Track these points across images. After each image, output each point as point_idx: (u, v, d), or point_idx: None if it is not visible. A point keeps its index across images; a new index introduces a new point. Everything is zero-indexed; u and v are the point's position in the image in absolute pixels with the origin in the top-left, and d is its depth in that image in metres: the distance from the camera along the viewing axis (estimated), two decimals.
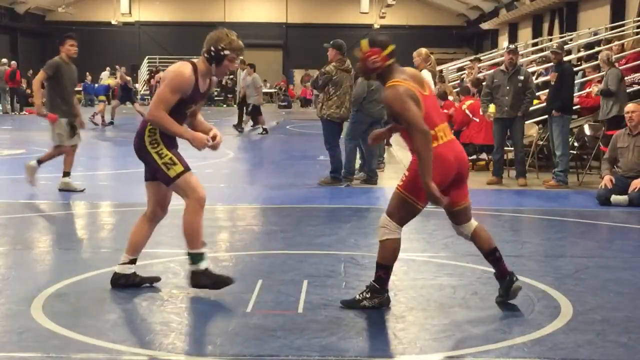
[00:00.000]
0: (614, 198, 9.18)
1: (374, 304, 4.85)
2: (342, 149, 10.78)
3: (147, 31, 42.41)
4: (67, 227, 7.85)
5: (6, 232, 7.46)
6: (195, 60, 5.21)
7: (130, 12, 37.12)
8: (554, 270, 6.02)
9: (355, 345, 4.26)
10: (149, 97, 36.51)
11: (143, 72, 39.45)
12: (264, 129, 19.96)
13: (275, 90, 39.68)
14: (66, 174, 9.81)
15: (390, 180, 11.55)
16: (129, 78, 23.02)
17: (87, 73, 35.72)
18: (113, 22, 39.33)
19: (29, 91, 32.63)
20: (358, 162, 11.48)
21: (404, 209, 4.79)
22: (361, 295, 4.90)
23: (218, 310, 4.91)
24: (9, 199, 9.42)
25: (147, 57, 40.34)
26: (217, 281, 5.21)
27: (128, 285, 5.29)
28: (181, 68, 5.12)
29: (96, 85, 25.75)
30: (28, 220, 8.15)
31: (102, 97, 23.32)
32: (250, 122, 20.91)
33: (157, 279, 5.49)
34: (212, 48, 5.08)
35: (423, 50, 11.96)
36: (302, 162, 13.25)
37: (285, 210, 8.81)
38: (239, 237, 7.39)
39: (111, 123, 22.30)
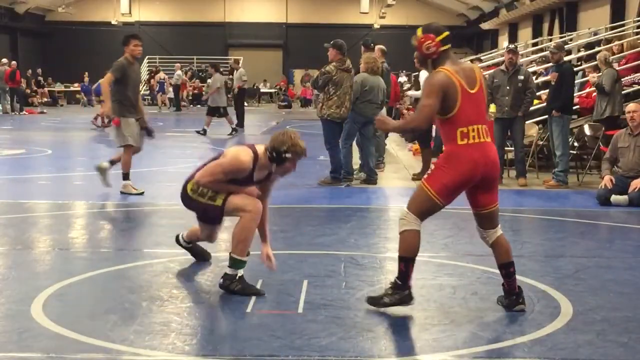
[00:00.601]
0: (614, 198, 9.18)
1: (394, 301, 4.78)
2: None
3: (147, 31, 42.31)
4: (67, 227, 7.85)
5: (6, 232, 7.46)
6: (259, 150, 5.32)
7: (130, 12, 37.10)
8: (554, 270, 6.02)
9: (355, 345, 4.26)
10: (148, 97, 36.56)
11: (143, 72, 39.44)
12: (234, 129, 19.35)
13: (276, 90, 39.67)
14: (126, 176, 9.62)
15: (390, 180, 11.56)
16: None
17: (86, 73, 35.80)
18: (113, 22, 39.30)
19: (28, 91, 32.69)
20: (358, 162, 11.48)
21: (424, 201, 4.74)
22: (385, 291, 4.85)
23: (218, 310, 4.91)
24: (9, 199, 9.42)
25: (147, 57, 40.31)
26: (251, 291, 5.21)
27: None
28: (241, 155, 5.28)
29: (93, 86, 25.31)
30: (28, 220, 8.15)
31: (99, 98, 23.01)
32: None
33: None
34: (275, 150, 5.23)
35: None
36: (302, 162, 13.18)
37: (285, 210, 8.81)
38: None
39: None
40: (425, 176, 4.84)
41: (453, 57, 4.83)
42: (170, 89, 33.44)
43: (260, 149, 5.34)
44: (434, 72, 4.70)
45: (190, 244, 6.09)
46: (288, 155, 5.22)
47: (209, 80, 20.47)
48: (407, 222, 4.74)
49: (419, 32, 4.81)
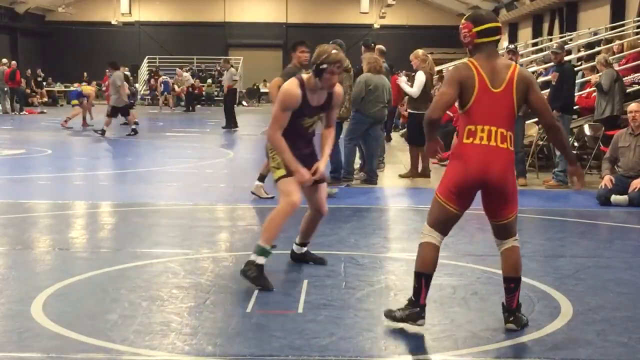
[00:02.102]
0: (614, 198, 9.18)
1: (403, 317, 4.49)
2: (341, 149, 10.77)
3: (147, 31, 42.40)
4: (67, 227, 7.85)
5: (6, 232, 7.46)
6: (304, 75, 5.47)
7: (130, 12, 37.10)
8: (554, 270, 6.03)
9: (355, 345, 4.26)
10: (148, 97, 36.57)
11: (143, 72, 39.45)
12: (133, 130, 18.67)
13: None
14: (262, 177, 9.59)
15: (390, 180, 11.56)
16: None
17: (85, 74, 35.80)
18: (113, 22, 39.32)
19: (28, 91, 32.68)
20: (358, 162, 11.48)
21: (435, 209, 4.49)
22: (403, 306, 4.59)
23: (218, 310, 4.90)
24: (9, 199, 9.41)
25: (147, 57, 40.33)
26: (261, 282, 5.30)
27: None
28: (287, 85, 5.45)
29: (72, 88, 24.52)
30: (28, 220, 8.15)
31: (75, 102, 22.25)
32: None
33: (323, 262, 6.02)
34: (314, 65, 5.32)
35: (420, 51, 11.97)
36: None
37: None
38: (239, 237, 7.39)
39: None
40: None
41: (493, 51, 4.48)
42: (170, 89, 33.43)
43: (306, 75, 5.50)
44: (459, 62, 4.62)
45: (304, 248, 6.08)
46: (323, 66, 5.28)
47: (110, 79, 18.99)
48: (422, 234, 4.53)
49: (463, 19, 4.66)
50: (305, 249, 6.08)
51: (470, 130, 4.40)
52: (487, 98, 4.37)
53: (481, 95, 4.37)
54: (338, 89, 5.57)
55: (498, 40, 4.54)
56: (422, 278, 4.50)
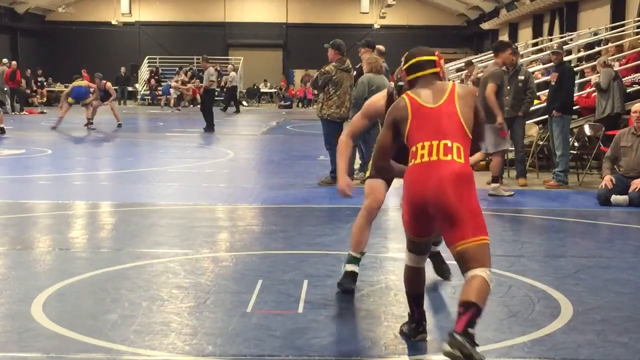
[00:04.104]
0: (614, 198, 9.18)
1: (405, 331, 4.39)
2: None
3: (147, 31, 42.38)
4: (67, 227, 7.85)
5: (6, 232, 7.46)
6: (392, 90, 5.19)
7: (130, 12, 37.06)
8: (554, 270, 6.02)
9: (355, 345, 4.26)
10: (148, 97, 36.57)
11: (143, 72, 39.44)
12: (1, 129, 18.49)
13: (276, 90, 39.68)
14: (495, 179, 9.77)
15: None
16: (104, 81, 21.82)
17: (83, 72, 35.74)
18: (113, 22, 39.30)
19: (28, 91, 32.67)
20: (358, 162, 11.48)
21: (406, 235, 4.21)
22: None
23: (218, 310, 4.90)
24: (9, 199, 9.42)
25: (147, 57, 40.33)
26: (341, 287, 5.31)
27: None
28: (376, 96, 5.37)
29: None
30: (28, 220, 8.15)
31: (87, 101, 21.91)
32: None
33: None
34: (395, 82, 5.16)
35: None
36: (302, 162, 13.22)
37: (285, 210, 8.81)
38: (239, 237, 7.39)
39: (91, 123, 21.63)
40: None
41: (429, 82, 4.16)
42: (172, 90, 33.37)
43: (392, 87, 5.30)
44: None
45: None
46: (401, 83, 4.96)
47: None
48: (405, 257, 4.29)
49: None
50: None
51: (412, 152, 4.02)
52: (424, 115, 4.02)
53: (416, 116, 4.02)
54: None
55: (433, 73, 4.21)
56: (410, 298, 4.32)
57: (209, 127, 19.92)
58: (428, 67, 4.21)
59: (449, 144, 3.95)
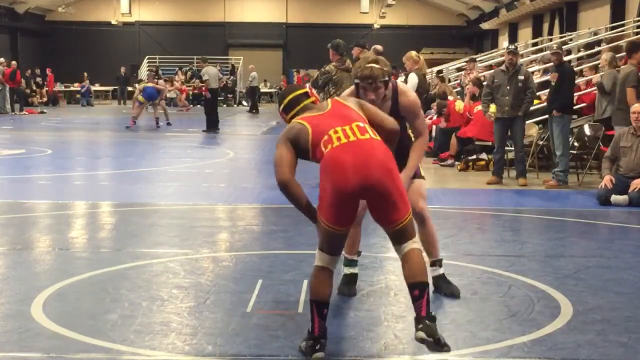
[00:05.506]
0: (614, 198, 9.18)
1: (302, 349, 4.06)
2: None
3: (147, 31, 42.39)
4: (67, 227, 7.85)
5: (6, 232, 7.46)
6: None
7: (130, 12, 37.08)
8: (554, 270, 6.02)
9: (355, 345, 4.26)
10: None
11: (143, 72, 39.44)
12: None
13: (276, 90, 39.69)
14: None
15: None
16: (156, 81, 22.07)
17: (85, 74, 35.79)
18: (113, 22, 39.31)
19: (28, 91, 32.67)
20: None
21: (319, 230, 4.11)
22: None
23: (218, 310, 4.90)
24: (9, 199, 9.42)
25: (147, 57, 40.34)
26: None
27: None
28: (345, 92, 5.11)
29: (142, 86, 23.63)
30: (28, 220, 8.15)
31: (142, 99, 21.84)
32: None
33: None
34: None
35: (412, 53, 11.91)
36: (302, 162, 13.19)
37: (285, 210, 8.80)
38: (239, 237, 7.39)
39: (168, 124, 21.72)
40: None
41: (310, 109, 4.29)
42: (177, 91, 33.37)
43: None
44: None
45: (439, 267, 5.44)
46: (356, 81, 4.88)
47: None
48: (315, 258, 4.16)
49: None
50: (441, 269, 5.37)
51: (325, 140, 4.01)
52: (321, 118, 4.13)
53: (316, 122, 4.11)
54: (406, 98, 5.04)
55: (311, 101, 4.33)
56: (314, 306, 4.05)
57: (210, 127, 19.94)
58: (303, 100, 4.34)
59: (361, 125, 4.07)
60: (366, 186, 3.91)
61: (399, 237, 4.05)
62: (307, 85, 4.54)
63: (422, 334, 3.82)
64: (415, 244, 4.06)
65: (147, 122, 21.98)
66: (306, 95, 4.36)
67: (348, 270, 5.38)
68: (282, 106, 4.39)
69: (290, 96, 4.35)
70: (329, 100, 4.36)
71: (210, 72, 20.40)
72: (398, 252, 4.09)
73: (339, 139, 3.98)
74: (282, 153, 4.16)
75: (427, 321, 3.84)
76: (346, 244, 5.20)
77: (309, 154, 4.16)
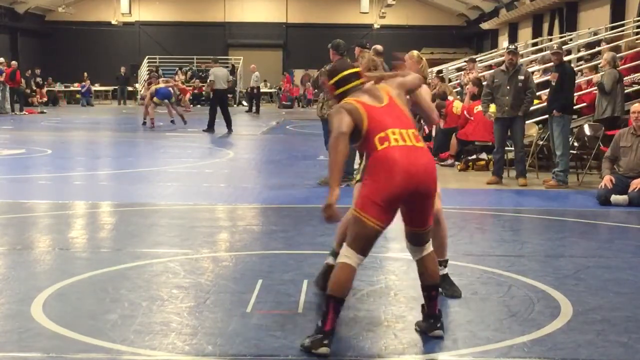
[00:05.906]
0: (614, 198, 9.18)
1: (307, 345, 4.09)
2: None
3: (147, 31, 42.38)
4: (67, 227, 7.85)
5: (6, 232, 7.46)
6: None
7: (130, 12, 37.08)
8: (554, 270, 6.02)
9: (355, 345, 4.26)
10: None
11: (143, 72, 39.43)
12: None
13: (276, 90, 39.67)
14: None
15: None
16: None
17: (85, 74, 35.78)
18: (113, 22, 39.30)
19: (28, 91, 32.65)
20: (357, 162, 11.47)
21: (354, 228, 4.16)
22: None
23: (218, 310, 4.90)
24: (9, 199, 9.42)
25: (147, 57, 40.32)
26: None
27: None
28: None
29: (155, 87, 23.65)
30: (28, 220, 8.15)
31: (158, 101, 21.87)
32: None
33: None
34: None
35: (415, 52, 11.88)
36: (302, 162, 13.22)
37: (285, 210, 8.81)
38: (239, 237, 7.39)
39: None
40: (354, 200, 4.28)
41: (357, 91, 4.36)
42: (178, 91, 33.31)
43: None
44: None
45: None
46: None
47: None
48: (340, 255, 4.21)
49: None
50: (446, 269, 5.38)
51: (381, 137, 4.14)
52: (378, 112, 4.22)
53: (372, 114, 4.20)
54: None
55: (360, 84, 4.40)
56: (336, 303, 4.11)
57: (210, 128, 19.97)
58: (354, 79, 4.43)
59: (415, 133, 4.26)
60: (416, 192, 4.13)
61: (420, 240, 4.34)
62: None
63: (440, 332, 4.33)
64: (431, 247, 4.39)
65: (146, 123, 21.96)
66: (357, 75, 4.45)
67: (333, 261, 5.29)
68: (334, 80, 4.43)
69: (345, 72, 4.43)
70: (381, 89, 4.37)
71: (217, 72, 20.35)
72: (413, 251, 4.38)
73: (396, 140, 4.15)
74: (342, 117, 4.19)
75: (441, 319, 4.35)
76: (337, 235, 5.24)
77: (360, 135, 4.21)
